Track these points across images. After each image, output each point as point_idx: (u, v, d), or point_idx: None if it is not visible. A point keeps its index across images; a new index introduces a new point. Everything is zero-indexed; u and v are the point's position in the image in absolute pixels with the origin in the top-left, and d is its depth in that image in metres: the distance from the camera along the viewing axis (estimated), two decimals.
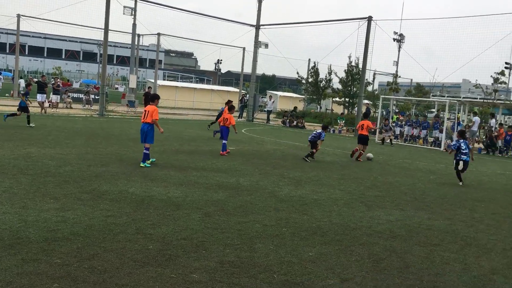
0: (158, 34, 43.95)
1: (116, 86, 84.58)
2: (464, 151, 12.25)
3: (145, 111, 11.09)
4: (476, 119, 25.70)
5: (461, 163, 12.20)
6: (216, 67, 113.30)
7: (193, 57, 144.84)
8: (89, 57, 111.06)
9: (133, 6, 32.42)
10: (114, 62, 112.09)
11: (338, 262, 5.49)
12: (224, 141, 14.32)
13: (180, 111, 38.67)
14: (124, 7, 31.52)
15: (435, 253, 6.14)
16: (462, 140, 12.52)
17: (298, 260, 5.41)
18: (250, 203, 8.12)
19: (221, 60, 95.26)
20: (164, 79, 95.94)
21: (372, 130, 19.74)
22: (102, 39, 28.98)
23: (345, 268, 5.31)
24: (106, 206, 7.08)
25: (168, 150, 14.00)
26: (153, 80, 46.86)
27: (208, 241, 5.82)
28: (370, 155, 16.35)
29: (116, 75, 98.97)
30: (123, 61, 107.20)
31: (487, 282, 5.23)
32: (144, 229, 6.08)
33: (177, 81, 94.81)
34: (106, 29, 27.09)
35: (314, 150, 14.71)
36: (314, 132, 15.16)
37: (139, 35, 42.87)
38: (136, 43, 40.54)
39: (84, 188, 8.11)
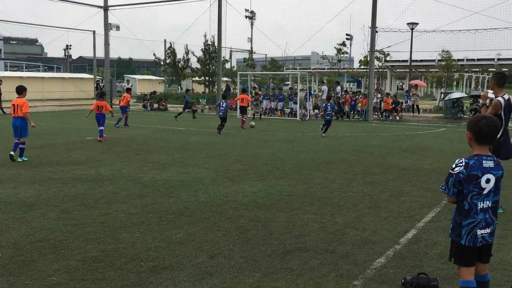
0: None
1: None
2: (328, 112, 17.18)
3: (14, 105, 10.45)
4: (325, 88, 27.77)
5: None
6: (66, 53, 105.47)
7: (38, 43, 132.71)
8: None
9: None
10: None
11: (206, 239, 5.55)
12: (101, 128, 14.64)
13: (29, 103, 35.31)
14: None
15: (296, 217, 6.53)
16: (328, 103, 17.53)
17: (166, 244, 5.35)
18: (113, 193, 7.79)
19: (70, 45, 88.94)
20: (6, 70, 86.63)
21: (250, 102, 23.01)
22: None
23: (213, 244, 5.39)
24: None
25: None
26: None
27: (67, 240, 5.45)
28: (252, 123, 19.93)
29: None
30: None
31: (341, 236, 5.73)
32: None
33: (22, 70, 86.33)
34: None
35: (224, 124, 17.14)
36: (222, 108, 17.33)
37: None
38: None
39: None
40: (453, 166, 3.35)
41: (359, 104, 25.11)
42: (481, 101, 7.21)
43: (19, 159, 10.66)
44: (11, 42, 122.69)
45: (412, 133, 18.30)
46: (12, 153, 10.71)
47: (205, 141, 14.89)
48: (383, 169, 10.26)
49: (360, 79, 50.56)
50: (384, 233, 5.88)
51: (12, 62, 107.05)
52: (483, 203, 3.32)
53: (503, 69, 50.71)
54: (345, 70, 42.33)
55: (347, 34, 48.41)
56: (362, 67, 34.00)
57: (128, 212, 6.66)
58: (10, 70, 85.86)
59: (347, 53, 36.29)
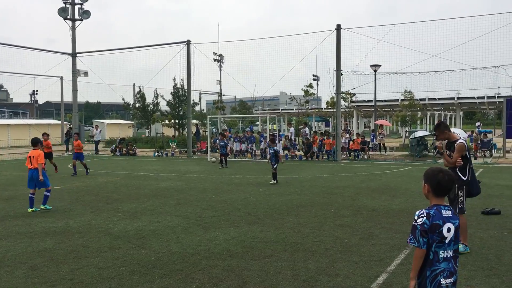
0: None
1: None
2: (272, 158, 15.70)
3: (30, 157, 10.79)
4: (292, 129, 28.29)
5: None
6: (32, 99, 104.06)
7: (3, 89, 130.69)
8: None
9: None
10: None
11: None
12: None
13: None
14: None
15: (268, 264, 6.57)
16: (271, 148, 16.07)
17: None
18: (83, 246, 7.66)
19: (37, 91, 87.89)
20: None
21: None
22: None
23: None
24: None
25: None
26: None
27: None
28: (213, 159, 20.39)
29: None
30: None
31: (315, 284, 5.79)
32: None
33: None
34: None
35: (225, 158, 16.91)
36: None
37: None
38: None
39: None
40: (415, 218, 3.50)
41: (325, 145, 25.55)
42: (439, 150, 7.52)
43: (42, 207, 10.90)
44: None
45: (380, 172, 18.71)
46: (30, 210, 10.74)
47: (176, 187, 14.84)
48: (354, 211, 10.44)
49: (328, 118, 51.67)
50: (356, 278, 5.97)
51: None
52: (446, 252, 3.47)
53: (463, 107, 52.87)
54: (313, 111, 43.24)
55: (313, 75, 49.81)
56: (329, 107, 34.84)
57: (98, 266, 6.56)
58: None
59: (314, 94, 37.20)
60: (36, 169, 10.87)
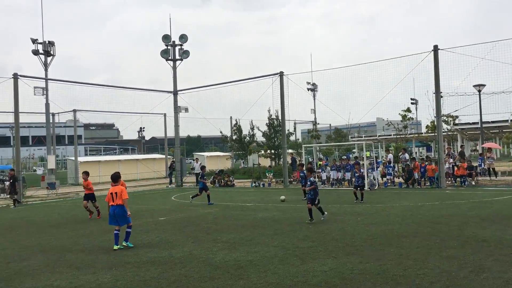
0: (74, 111, 42.94)
1: (34, 168, 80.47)
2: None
3: (112, 193, 10.62)
4: (390, 156, 27.30)
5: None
6: (140, 135, 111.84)
7: (114, 127, 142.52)
8: (2, 141, 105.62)
9: (43, 85, 31.71)
10: (30, 143, 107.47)
11: None
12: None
13: (106, 186, 37.41)
14: (35, 87, 30.72)
15: None
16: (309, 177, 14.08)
17: None
18: (185, 276, 7.94)
19: (144, 127, 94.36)
20: (86, 154, 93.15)
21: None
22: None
23: None
24: None
25: (95, 231, 13.42)
26: (73, 158, 45.29)
27: None
28: (283, 197, 19.14)
29: (32, 158, 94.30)
30: (40, 141, 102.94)
31: None
32: None
33: (100, 154, 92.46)
34: (16, 113, 26.14)
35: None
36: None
37: (53, 114, 41.61)
38: (51, 121, 39.31)
39: None
40: None
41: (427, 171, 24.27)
42: None
43: (124, 243, 10.62)
44: (91, 128, 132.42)
45: (491, 199, 17.30)
46: (116, 247, 10.53)
47: (273, 217, 14.91)
48: (461, 241, 9.72)
49: (429, 143, 49.26)
50: None
51: (92, 146, 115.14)
52: None
53: None
54: (412, 135, 41.47)
55: (411, 99, 48.00)
56: (430, 132, 33.22)
57: None
58: (89, 154, 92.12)
59: (413, 118, 35.76)
60: (118, 205, 10.61)
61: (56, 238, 12.51)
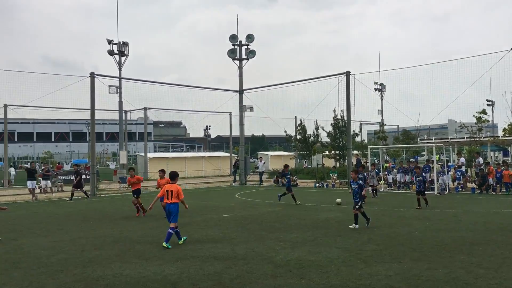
0: (145, 109, 44.74)
1: (107, 163, 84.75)
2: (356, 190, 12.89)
3: (168, 191, 10.80)
4: (462, 159, 26.03)
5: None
6: (206, 133, 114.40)
7: (182, 125, 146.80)
8: (79, 137, 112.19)
9: (117, 84, 33.29)
10: (104, 139, 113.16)
11: None
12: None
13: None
14: (109, 86, 32.30)
15: None
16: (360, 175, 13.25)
17: None
18: (247, 272, 8.03)
19: (210, 126, 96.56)
20: (154, 151, 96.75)
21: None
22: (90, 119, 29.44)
23: None
24: None
25: (162, 225, 13.89)
26: (143, 154, 47.16)
27: None
28: (338, 200, 18.53)
29: (106, 153, 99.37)
30: (113, 137, 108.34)
31: None
32: None
33: (168, 151, 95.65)
34: (93, 110, 27.62)
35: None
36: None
37: (125, 111, 43.57)
38: (123, 118, 41.17)
39: (77, 276, 7.98)
40: None
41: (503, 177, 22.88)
42: None
43: (164, 244, 10.31)
44: (160, 125, 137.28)
45: None
46: (180, 242, 10.78)
47: (337, 218, 14.71)
48: None
49: (506, 147, 46.50)
50: None
51: (160, 143, 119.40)
52: None
53: None
54: (488, 139, 39.28)
55: (487, 100, 45.50)
56: (507, 135, 31.32)
57: None
58: (158, 151, 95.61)
59: (488, 120, 33.88)
60: (172, 203, 10.67)
61: (126, 230, 13.10)
